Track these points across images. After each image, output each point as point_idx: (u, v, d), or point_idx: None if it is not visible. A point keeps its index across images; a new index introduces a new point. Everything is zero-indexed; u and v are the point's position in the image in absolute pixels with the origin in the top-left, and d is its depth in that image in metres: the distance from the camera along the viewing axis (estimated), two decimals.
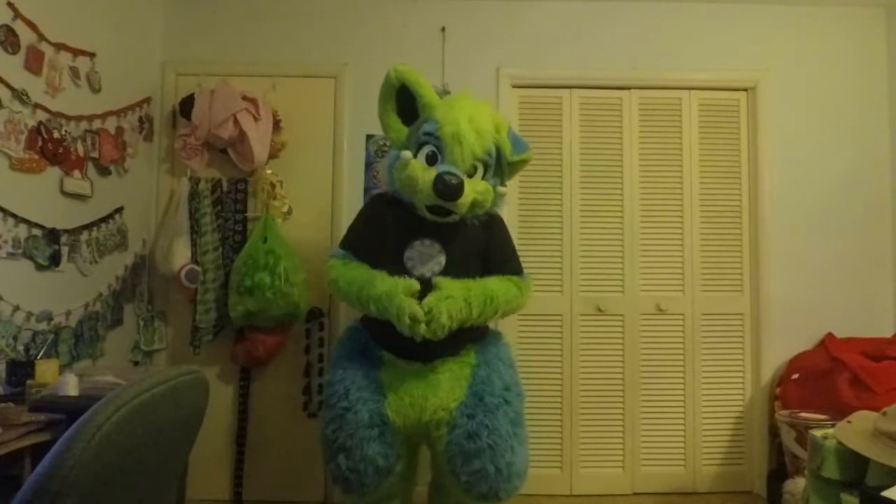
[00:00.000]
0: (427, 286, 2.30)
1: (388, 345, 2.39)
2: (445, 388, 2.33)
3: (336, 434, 2.26)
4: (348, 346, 2.48)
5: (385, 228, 2.43)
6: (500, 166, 2.44)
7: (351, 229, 2.56)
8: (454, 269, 2.36)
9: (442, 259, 2.36)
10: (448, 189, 2.20)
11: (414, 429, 2.33)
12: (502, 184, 2.49)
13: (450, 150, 2.27)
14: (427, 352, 2.32)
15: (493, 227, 2.51)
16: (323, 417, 2.37)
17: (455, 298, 2.22)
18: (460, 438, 2.23)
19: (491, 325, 3.18)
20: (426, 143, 2.32)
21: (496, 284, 2.38)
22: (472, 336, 2.44)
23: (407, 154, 2.30)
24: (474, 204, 2.33)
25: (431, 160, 2.31)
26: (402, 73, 2.38)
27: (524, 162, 2.57)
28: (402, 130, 2.43)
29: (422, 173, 2.27)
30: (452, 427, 2.27)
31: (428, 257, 2.36)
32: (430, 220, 2.36)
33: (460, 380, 2.35)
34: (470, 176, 2.32)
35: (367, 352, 2.43)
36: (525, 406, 2.44)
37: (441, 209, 2.29)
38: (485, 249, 2.47)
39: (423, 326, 2.17)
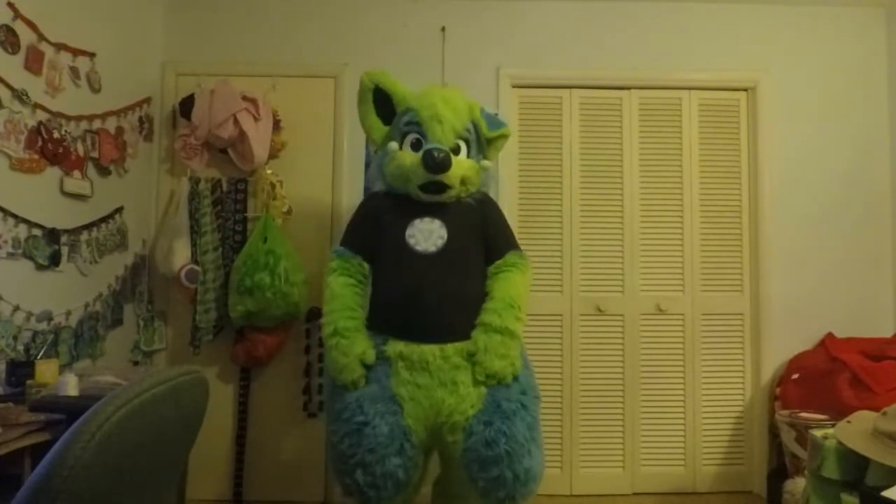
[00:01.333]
0: (430, 261, 2.34)
1: (397, 330, 2.34)
2: (464, 393, 2.27)
3: (354, 450, 2.19)
4: None
5: (383, 218, 2.47)
6: (480, 144, 2.55)
7: (348, 227, 2.59)
8: (456, 243, 2.39)
9: (443, 233, 2.39)
10: (436, 161, 2.29)
11: (430, 431, 2.30)
12: (485, 159, 2.59)
13: (431, 130, 2.39)
14: (440, 331, 2.31)
15: (486, 205, 2.56)
16: (335, 432, 2.29)
17: (493, 344, 2.27)
18: (478, 445, 2.19)
19: None
20: (409, 132, 2.44)
21: (512, 289, 2.39)
22: None
23: (393, 145, 2.43)
24: (464, 180, 2.42)
25: (416, 146, 2.41)
26: (374, 76, 2.53)
27: (504, 137, 2.66)
28: (383, 130, 2.56)
29: (410, 158, 2.38)
30: (469, 434, 2.22)
31: (429, 233, 2.39)
32: (427, 202, 2.42)
33: (479, 386, 2.28)
34: (455, 154, 2.41)
35: (376, 359, 2.34)
36: (539, 410, 2.41)
37: (434, 185, 2.36)
38: (482, 228, 2.49)
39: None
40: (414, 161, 2.34)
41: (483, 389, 2.29)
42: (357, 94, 2.58)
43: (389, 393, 2.28)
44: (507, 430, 2.19)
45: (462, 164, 2.40)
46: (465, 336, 2.34)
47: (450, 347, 2.31)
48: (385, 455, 2.18)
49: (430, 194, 2.40)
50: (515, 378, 2.32)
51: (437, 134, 2.38)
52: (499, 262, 2.47)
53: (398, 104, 2.51)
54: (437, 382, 2.28)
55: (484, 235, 2.49)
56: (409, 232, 2.39)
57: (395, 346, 2.32)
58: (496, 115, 3.08)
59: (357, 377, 2.27)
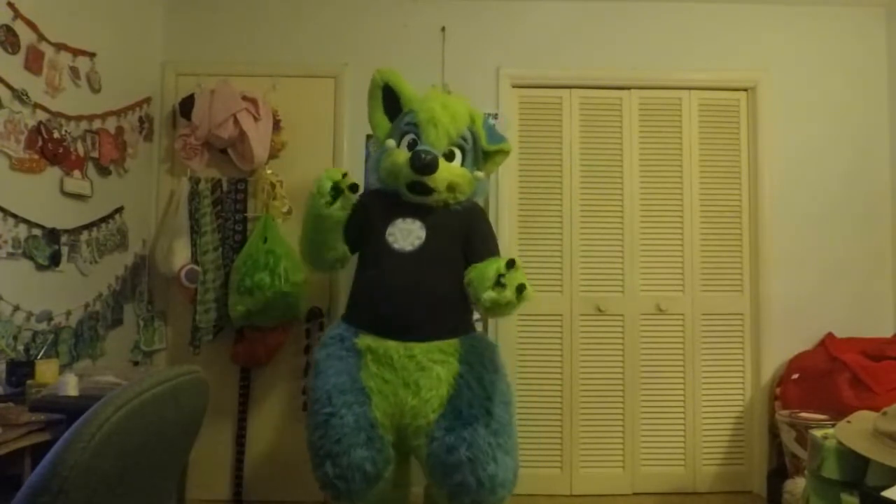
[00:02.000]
0: (406, 259, 2.38)
1: (367, 324, 2.38)
2: (425, 397, 2.27)
3: (322, 441, 2.23)
4: (329, 348, 2.43)
5: (370, 214, 2.52)
6: (476, 154, 2.57)
7: None
8: (433, 244, 2.42)
9: (421, 234, 2.43)
10: (422, 162, 2.35)
11: (397, 429, 2.31)
12: (479, 171, 2.60)
13: (426, 132, 2.45)
14: (406, 329, 2.33)
15: (473, 213, 2.59)
16: (308, 424, 2.35)
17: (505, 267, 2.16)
18: (439, 451, 2.20)
19: (491, 324, 3.20)
20: (407, 132, 2.51)
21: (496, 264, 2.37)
22: (455, 325, 2.44)
23: (391, 143, 2.50)
24: (452, 186, 2.44)
25: (412, 147, 2.47)
26: (385, 74, 2.60)
27: (503, 153, 2.68)
28: (388, 128, 2.62)
29: (402, 157, 2.43)
30: (431, 439, 2.23)
31: (408, 233, 2.44)
32: (413, 202, 2.46)
33: (441, 387, 2.28)
34: (449, 160, 2.45)
35: (346, 347, 2.39)
36: (522, 408, 2.43)
37: (419, 185, 2.40)
38: (464, 234, 2.50)
39: (507, 294, 2.09)
40: (404, 160, 2.40)
41: (445, 392, 2.28)
42: (367, 90, 2.64)
43: (359, 385, 2.30)
44: (468, 436, 2.18)
45: (452, 170, 2.43)
46: (433, 337, 2.35)
47: (416, 347, 2.32)
48: (351, 446, 2.20)
49: (415, 194, 2.44)
50: (481, 383, 2.30)
51: (430, 137, 2.43)
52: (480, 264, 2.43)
53: (404, 104, 2.58)
54: (400, 381, 2.30)
55: (465, 243, 2.49)
56: (389, 230, 2.44)
57: (365, 340, 2.36)
58: (494, 115, 3.09)
59: (334, 174, 2.39)
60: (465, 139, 2.51)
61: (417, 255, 2.39)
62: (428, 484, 2.65)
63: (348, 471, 2.19)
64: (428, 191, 2.42)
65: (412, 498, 2.67)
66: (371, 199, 2.60)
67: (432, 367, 2.31)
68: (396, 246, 2.41)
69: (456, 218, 2.50)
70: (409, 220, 2.45)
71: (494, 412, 2.28)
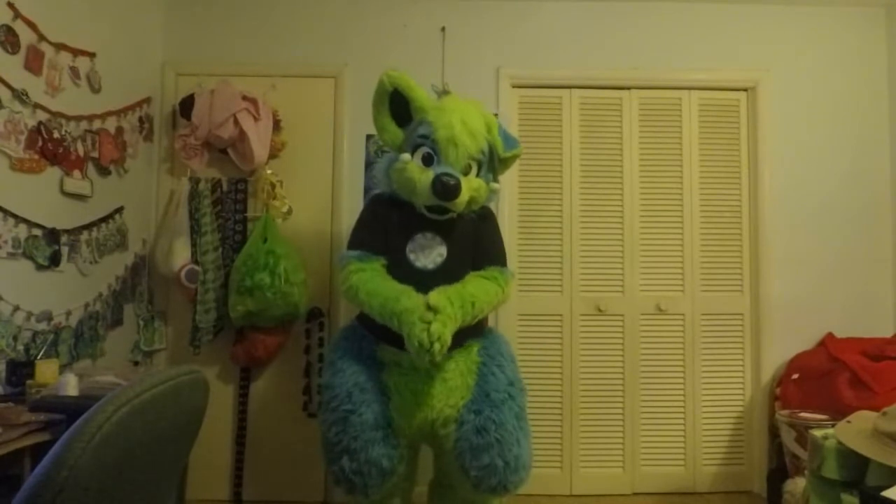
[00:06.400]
0: (428, 277, 2.34)
1: (387, 337, 2.37)
2: (452, 386, 2.34)
3: (340, 437, 2.26)
4: (346, 347, 2.46)
5: (388, 225, 2.47)
6: (492, 163, 2.51)
7: (357, 229, 2.56)
8: (454, 261, 2.40)
9: (443, 250, 2.41)
10: (446, 190, 2.28)
11: (419, 429, 2.34)
12: (495, 179, 2.55)
13: (445, 152, 2.34)
14: None
15: (484, 220, 2.57)
16: (324, 420, 2.36)
17: (453, 318, 2.20)
18: (469, 434, 2.26)
19: (491, 322, 3.20)
20: (421, 144, 2.39)
21: (474, 287, 2.36)
22: (472, 331, 2.45)
23: (406, 156, 2.38)
24: (470, 201, 2.40)
25: (428, 161, 2.37)
26: (394, 78, 2.44)
27: (515, 157, 2.63)
28: (396, 133, 2.49)
29: (419, 175, 2.34)
30: (460, 424, 2.29)
31: (429, 249, 2.41)
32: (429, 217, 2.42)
33: (467, 378, 2.37)
34: (465, 174, 2.38)
35: (366, 352, 2.42)
36: (525, 402, 2.45)
37: (439, 208, 2.36)
38: (475, 241, 2.50)
39: (427, 356, 2.12)
40: (423, 181, 2.31)
41: (471, 382, 2.36)
42: (374, 92, 2.49)
43: (379, 384, 2.35)
44: (496, 418, 2.26)
45: (470, 185, 2.38)
46: (456, 347, 2.34)
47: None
48: (369, 442, 2.23)
49: (434, 214, 2.39)
50: (502, 371, 2.40)
51: (450, 157, 2.34)
52: (479, 272, 2.45)
53: (415, 111, 2.45)
54: (426, 379, 2.34)
55: (474, 249, 2.49)
56: (409, 246, 2.41)
57: (386, 353, 2.39)
58: (494, 115, 3.08)
59: (422, 335, 2.12)
60: (482, 153, 2.43)
61: (439, 274, 2.37)
62: (434, 479, 2.66)
63: (365, 466, 2.23)
64: (447, 212, 2.39)
65: (416, 497, 2.68)
66: (387, 209, 2.50)
67: (455, 365, 2.38)
68: (419, 264, 2.38)
69: (470, 226, 2.49)
70: (428, 235, 2.42)
71: (516, 397, 2.37)
